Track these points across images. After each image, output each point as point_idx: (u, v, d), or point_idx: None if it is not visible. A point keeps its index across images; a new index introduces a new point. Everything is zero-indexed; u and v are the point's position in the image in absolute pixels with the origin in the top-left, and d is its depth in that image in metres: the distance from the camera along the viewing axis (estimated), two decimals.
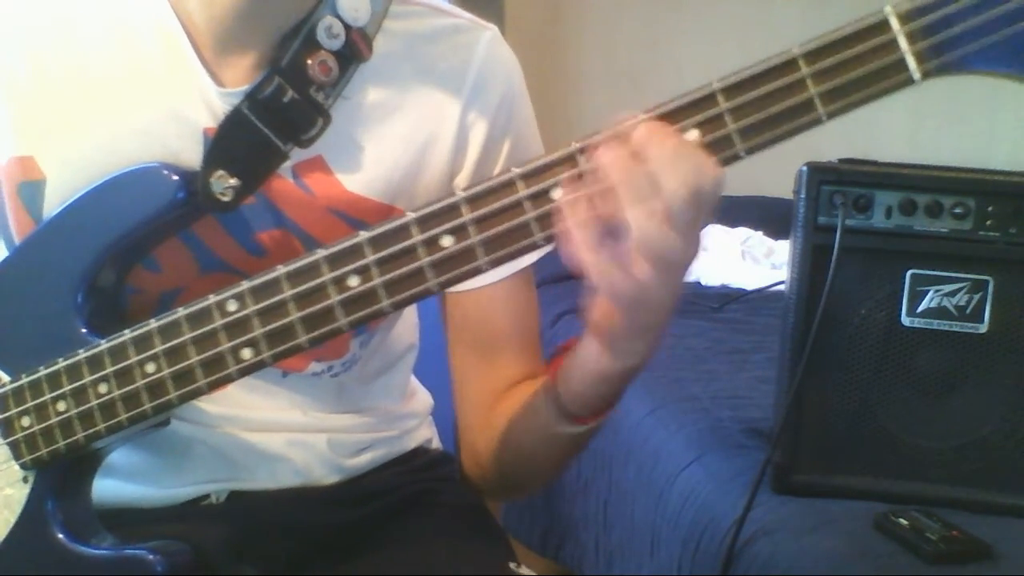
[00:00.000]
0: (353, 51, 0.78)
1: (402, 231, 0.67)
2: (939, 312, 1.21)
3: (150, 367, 0.74)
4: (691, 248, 0.63)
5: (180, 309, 0.73)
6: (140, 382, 0.74)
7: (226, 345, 0.72)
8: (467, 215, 0.66)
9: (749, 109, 0.62)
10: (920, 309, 1.21)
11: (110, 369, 0.75)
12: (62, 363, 0.77)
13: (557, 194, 0.65)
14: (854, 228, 1.20)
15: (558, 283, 2.32)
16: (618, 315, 0.67)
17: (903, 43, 0.59)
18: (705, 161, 0.62)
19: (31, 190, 0.80)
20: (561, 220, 0.64)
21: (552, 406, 0.78)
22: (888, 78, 0.60)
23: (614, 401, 0.78)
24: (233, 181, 0.77)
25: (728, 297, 2.40)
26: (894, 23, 0.59)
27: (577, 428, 0.79)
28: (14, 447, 0.79)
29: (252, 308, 0.71)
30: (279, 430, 0.90)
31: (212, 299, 0.72)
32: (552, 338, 2.05)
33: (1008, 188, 1.20)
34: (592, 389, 0.75)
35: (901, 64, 0.60)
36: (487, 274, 0.84)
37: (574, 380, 0.76)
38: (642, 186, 0.61)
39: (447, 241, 0.67)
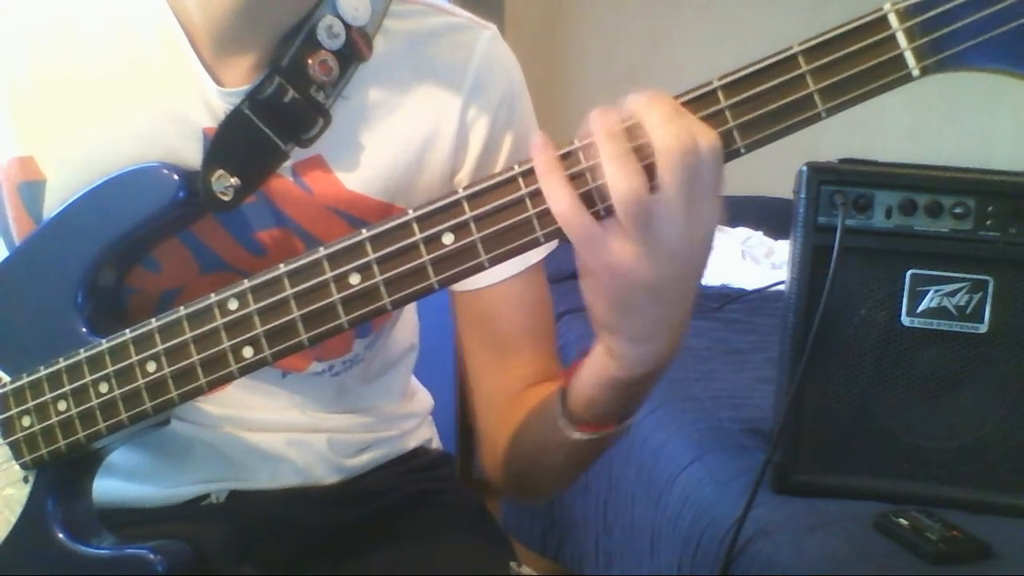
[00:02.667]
0: (353, 51, 0.79)
1: (403, 229, 0.67)
2: (939, 312, 1.21)
3: (151, 366, 0.74)
4: (688, 226, 0.61)
5: (181, 308, 0.73)
6: (141, 381, 0.74)
7: (227, 344, 0.72)
8: (468, 212, 0.66)
9: (749, 105, 0.62)
10: (920, 309, 1.21)
11: (111, 368, 0.75)
12: (63, 363, 0.77)
13: None
14: (854, 228, 1.20)
15: (559, 283, 2.32)
16: (611, 305, 0.66)
17: (902, 39, 0.59)
18: (700, 126, 0.61)
19: (31, 190, 0.80)
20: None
21: (560, 408, 0.76)
22: (887, 74, 0.60)
23: (625, 414, 0.75)
24: (233, 180, 0.77)
25: (728, 297, 2.40)
26: (893, 20, 0.59)
27: (581, 435, 0.75)
28: (15, 447, 0.79)
29: (253, 307, 0.71)
30: (279, 430, 0.90)
31: (213, 298, 0.72)
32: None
33: (1008, 188, 1.20)
34: (600, 395, 0.73)
35: (900, 60, 0.60)
36: (497, 272, 0.84)
37: (583, 384, 0.74)
38: (624, 148, 0.60)
39: (448, 239, 0.67)
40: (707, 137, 0.60)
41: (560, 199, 0.62)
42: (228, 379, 0.73)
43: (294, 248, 0.82)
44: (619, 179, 0.60)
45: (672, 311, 0.66)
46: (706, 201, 0.61)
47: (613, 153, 0.61)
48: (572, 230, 0.63)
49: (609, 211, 0.62)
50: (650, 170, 0.61)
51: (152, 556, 0.77)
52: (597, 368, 0.71)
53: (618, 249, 0.62)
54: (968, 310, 1.20)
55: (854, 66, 0.60)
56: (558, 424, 0.76)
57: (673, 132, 0.59)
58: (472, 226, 0.66)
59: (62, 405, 0.77)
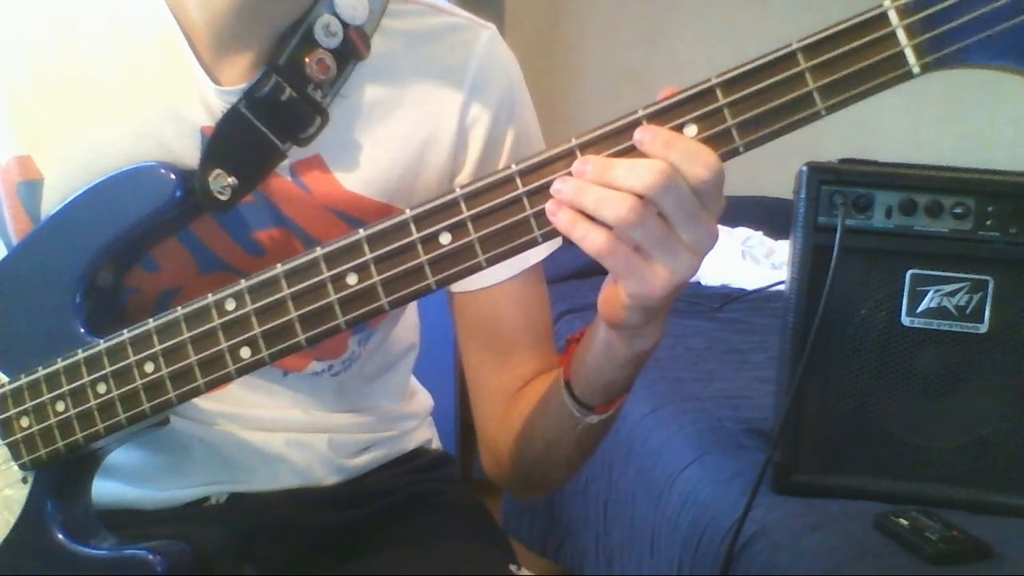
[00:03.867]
0: (351, 49, 0.78)
1: (400, 228, 0.67)
2: (939, 312, 1.21)
3: (148, 367, 0.74)
4: (703, 234, 0.64)
5: (178, 308, 0.73)
6: (138, 382, 0.74)
7: (224, 344, 0.72)
8: (465, 212, 0.66)
9: (748, 103, 0.61)
10: (920, 309, 1.21)
11: (108, 369, 0.75)
12: (61, 363, 0.77)
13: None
14: (854, 228, 1.20)
15: (558, 283, 2.32)
16: (642, 314, 0.68)
17: (902, 36, 0.59)
18: (699, 150, 0.62)
19: (29, 190, 0.80)
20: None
21: (567, 398, 0.79)
22: (887, 72, 0.60)
23: (627, 387, 0.78)
24: (231, 180, 0.76)
25: (728, 297, 2.40)
26: (893, 17, 0.59)
27: (594, 417, 0.79)
28: (13, 448, 0.79)
29: (250, 307, 0.71)
30: (279, 429, 0.90)
31: (210, 298, 0.72)
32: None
33: (1008, 188, 1.20)
34: (605, 376, 0.76)
35: (900, 58, 0.60)
36: (496, 273, 0.84)
37: (587, 369, 0.77)
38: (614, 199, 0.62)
39: (445, 238, 0.66)
40: (704, 162, 0.62)
41: (595, 240, 0.64)
42: (226, 380, 0.73)
43: (293, 248, 0.82)
44: (586, 243, 0.64)
45: (676, 293, 0.68)
46: (707, 210, 0.64)
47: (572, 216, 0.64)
48: (614, 265, 0.65)
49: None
50: None
51: (151, 556, 0.77)
52: (599, 351, 0.74)
53: (657, 270, 0.64)
54: (968, 310, 1.20)
55: (854, 63, 0.60)
56: (572, 414, 0.79)
57: (638, 174, 0.62)
58: (469, 226, 0.66)
59: (60, 406, 0.77)
